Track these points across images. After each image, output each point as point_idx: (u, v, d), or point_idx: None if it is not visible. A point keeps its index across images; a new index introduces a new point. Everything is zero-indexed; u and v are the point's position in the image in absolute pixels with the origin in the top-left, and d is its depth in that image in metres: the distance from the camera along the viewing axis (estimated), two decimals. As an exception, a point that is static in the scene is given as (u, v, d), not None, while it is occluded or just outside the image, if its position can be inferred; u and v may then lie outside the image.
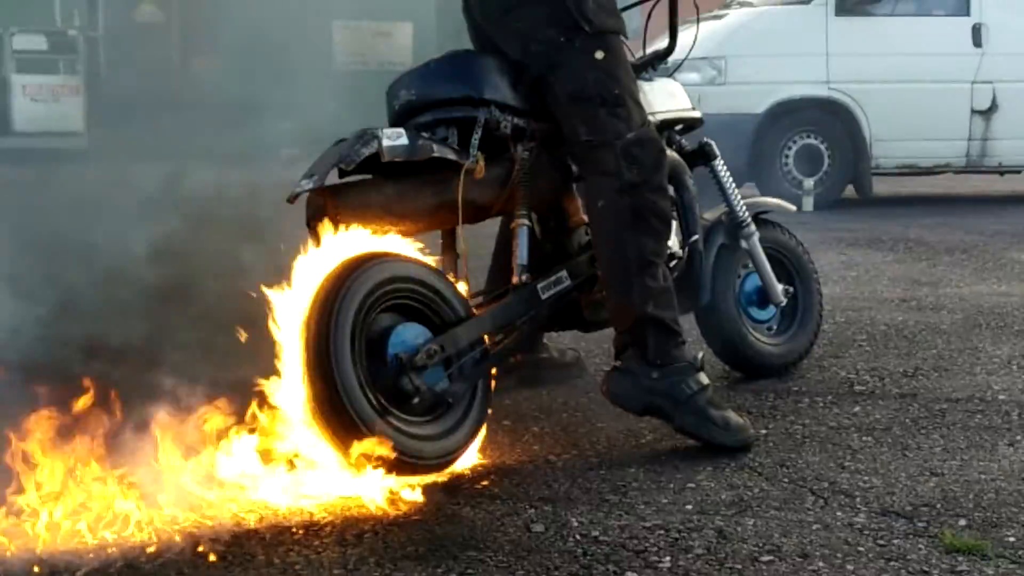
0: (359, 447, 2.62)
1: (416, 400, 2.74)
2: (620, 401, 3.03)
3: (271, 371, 2.75)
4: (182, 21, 16.85)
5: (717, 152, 3.65)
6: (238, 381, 2.80)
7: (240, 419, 2.76)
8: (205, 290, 3.74)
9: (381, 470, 2.64)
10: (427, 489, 2.70)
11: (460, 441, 2.81)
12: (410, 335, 2.78)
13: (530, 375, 3.49)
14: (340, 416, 2.62)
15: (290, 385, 2.71)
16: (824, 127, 8.90)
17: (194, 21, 16.76)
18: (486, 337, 2.92)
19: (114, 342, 3.28)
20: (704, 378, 3.02)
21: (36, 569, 2.29)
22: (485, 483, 2.79)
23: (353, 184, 2.92)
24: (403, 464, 2.67)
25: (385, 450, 2.63)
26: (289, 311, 2.75)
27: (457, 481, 2.78)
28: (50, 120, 15.07)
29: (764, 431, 3.18)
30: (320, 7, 17.08)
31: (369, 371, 2.68)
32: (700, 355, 3.08)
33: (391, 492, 2.66)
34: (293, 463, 2.74)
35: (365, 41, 18.35)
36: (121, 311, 3.73)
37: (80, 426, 2.62)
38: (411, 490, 2.67)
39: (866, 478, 2.82)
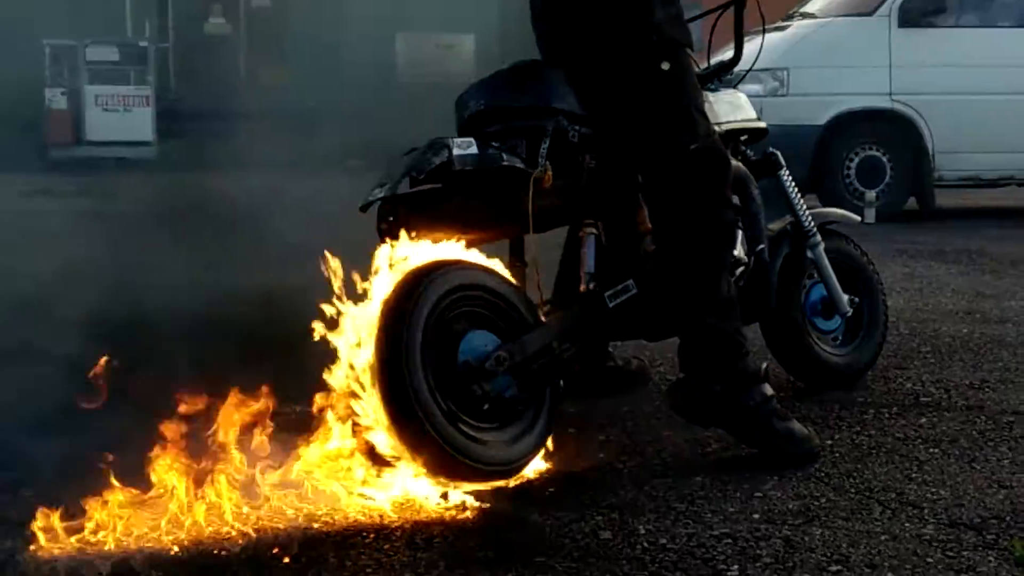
0: (430, 453, 2.66)
1: (485, 407, 2.78)
2: (684, 413, 3.05)
3: (344, 377, 2.80)
4: (249, 33, 17.08)
5: (783, 162, 3.67)
6: (312, 386, 2.86)
7: (313, 424, 2.83)
8: (282, 296, 3.82)
9: (451, 476, 2.69)
10: (495, 495, 2.73)
11: (528, 448, 2.84)
12: (479, 342, 2.81)
13: (595, 384, 3.52)
14: (411, 423, 2.66)
15: (362, 391, 2.76)
16: (886, 139, 8.86)
17: (261, 33, 16.99)
18: (554, 345, 2.96)
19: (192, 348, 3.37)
20: (768, 389, 3.03)
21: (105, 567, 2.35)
22: (552, 490, 2.82)
23: (424, 193, 2.96)
24: (473, 471, 2.71)
25: (455, 456, 2.67)
26: (362, 318, 2.80)
27: (525, 488, 2.81)
28: (120, 130, 15.33)
29: (830, 442, 3.19)
30: (383, 19, 17.22)
31: (439, 378, 2.72)
32: (764, 365, 3.09)
33: (460, 498, 2.70)
34: (365, 468, 2.79)
35: (428, 53, 18.46)
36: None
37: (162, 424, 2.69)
38: (479, 496, 2.71)
39: (934, 490, 2.82)
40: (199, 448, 2.69)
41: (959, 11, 9.06)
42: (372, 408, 2.73)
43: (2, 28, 14.98)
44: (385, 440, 2.73)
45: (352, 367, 2.79)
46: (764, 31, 3.78)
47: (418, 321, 2.70)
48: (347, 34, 16.14)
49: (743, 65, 3.50)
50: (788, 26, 9.16)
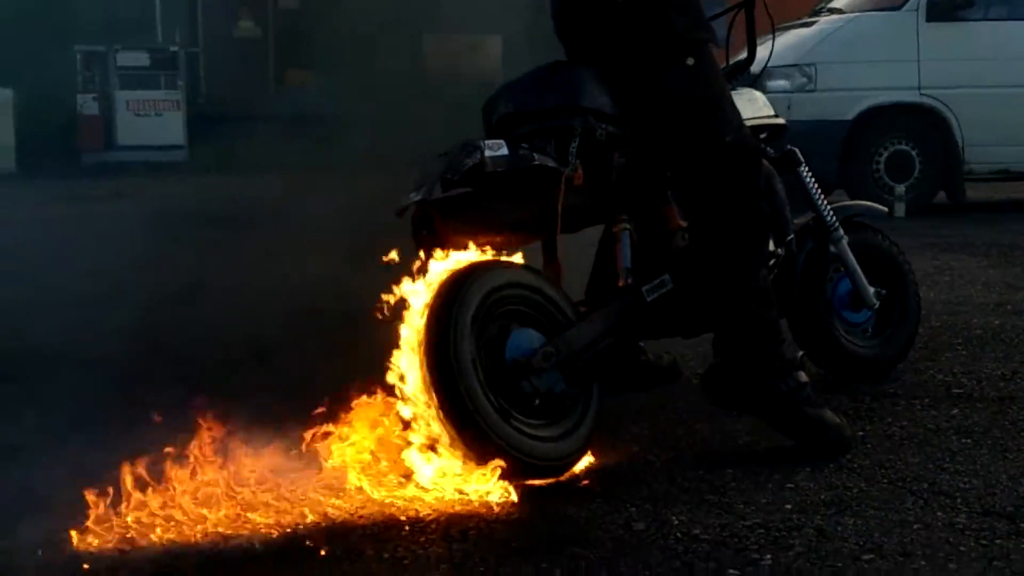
0: (487, 452, 2.70)
1: (536, 402, 2.82)
2: (717, 397, 3.08)
3: (388, 373, 2.84)
4: (278, 36, 17.18)
5: (801, 159, 3.69)
6: (355, 381, 2.91)
7: (355, 417, 2.87)
8: (331, 298, 3.87)
9: (508, 474, 2.71)
10: (529, 489, 2.76)
11: (579, 442, 2.88)
12: (525, 339, 2.85)
13: (628, 379, 3.54)
14: (465, 420, 2.70)
15: (408, 386, 2.80)
16: (915, 133, 8.83)
17: (290, 36, 17.07)
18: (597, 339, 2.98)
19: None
20: (803, 376, 3.06)
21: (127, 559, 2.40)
22: (586, 482, 2.85)
23: (457, 196, 2.98)
24: (528, 466, 2.75)
25: (511, 454, 2.71)
26: (408, 317, 2.84)
27: (559, 481, 2.84)
28: (152, 134, 15.48)
29: (862, 433, 3.21)
30: (411, 21, 17.27)
31: (489, 376, 2.76)
32: (801, 354, 3.12)
33: (495, 491, 2.72)
34: (407, 461, 2.83)
35: (456, 54, 18.50)
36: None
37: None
38: (514, 489, 2.73)
39: (966, 479, 2.83)
40: (236, 442, 2.74)
41: (987, 5, 9.01)
42: (426, 412, 2.76)
43: (34, 35, 15.14)
44: (441, 439, 2.75)
45: (398, 363, 2.83)
46: (773, 31, 3.78)
47: (464, 321, 2.74)
48: (375, 36, 16.20)
49: (757, 65, 3.53)
50: (815, 21, 9.16)
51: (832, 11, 9.42)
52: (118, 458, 2.61)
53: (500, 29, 18.72)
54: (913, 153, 8.84)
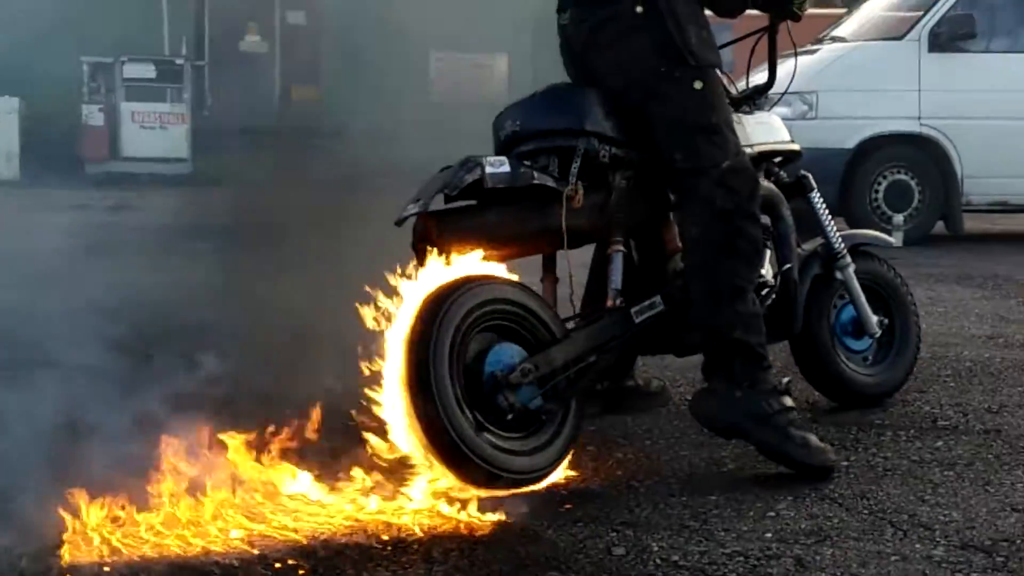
0: (457, 462, 2.74)
1: (510, 416, 2.85)
2: (704, 418, 3.12)
3: (369, 387, 2.87)
4: (284, 51, 17.26)
5: (814, 185, 3.73)
6: (332, 396, 2.93)
7: (333, 434, 2.90)
8: (305, 308, 3.90)
9: (477, 484, 2.77)
10: (511, 511, 2.78)
11: (552, 457, 2.92)
12: (506, 354, 2.89)
13: (615, 402, 3.56)
14: (438, 431, 2.74)
15: (388, 401, 2.83)
16: (915, 163, 8.86)
17: (296, 51, 17.16)
18: (580, 358, 3.01)
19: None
20: (788, 400, 3.09)
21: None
22: (569, 506, 2.87)
23: (457, 209, 3.05)
24: (497, 478, 2.79)
25: (481, 465, 2.75)
26: (391, 329, 2.87)
27: (541, 504, 2.86)
28: (156, 146, 15.53)
29: (845, 463, 3.22)
30: (418, 38, 17.35)
31: (466, 388, 2.81)
32: (786, 380, 3.16)
33: (477, 512, 2.75)
34: (383, 479, 2.86)
35: (462, 72, 18.59)
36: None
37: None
38: (496, 510, 2.76)
39: (946, 512, 2.85)
40: (222, 460, 2.76)
41: (989, 36, 9.06)
42: (399, 417, 2.80)
43: (42, 45, 15.21)
44: (412, 448, 2.80)
45: (380, 377, 2.86)
46: (796, 55, 3.82)
47: (447, 334, 2.79)
48: (381, 52, 16.28)
49: (777, 88, 3.57)
50: (818, 49, 9.19)
51: (835, 39, 9.47)
52: (100, 471, 2.64)
53: (506, 47, 18.84)
54: (912, 183, 8.87)
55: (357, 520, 2.73)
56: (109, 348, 3.44)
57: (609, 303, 3.14)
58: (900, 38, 8.97)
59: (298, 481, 2.85)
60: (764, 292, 3.41)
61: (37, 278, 4.98)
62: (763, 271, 3.43)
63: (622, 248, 3.17)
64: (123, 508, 2.60)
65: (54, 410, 3.04)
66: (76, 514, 2.54)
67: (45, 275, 4.83)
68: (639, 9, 3.12)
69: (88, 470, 2.65)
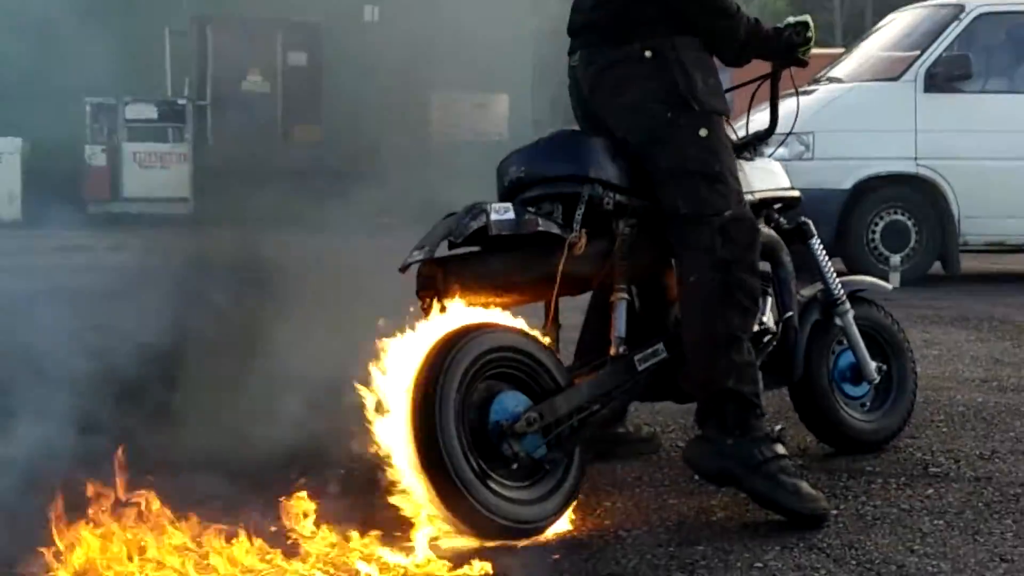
0: (461, 511, 2.76)
1: (515, 466, 2.87)
2: (696, 465, 3.13)
3: (373, 432, 2.89)
4: (286, 91, 17.36)
5: (814, 231, 3.76)
6: (342, 440, 2.95)
7: (339, 477, 2.91)
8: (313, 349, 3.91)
9: (481, 534, 2.78)
10: (499, 561, 2.77)
11: (555, 507, 2.94)
12: (511, 403, 2.92)
13: (606, 449, 3.58)
14: (443, 480, 2.76)
15: (394, 447, 2.85)
16: (912, 203, 8.89)
17: (298, 91, 17.25)
18: (583, 406, 3.03)
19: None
20: (780, 448, 3.10)
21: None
22: (556, 556, 2.86)
23: (461, 256, 3.08)
24: (500, 527, 2.81)
25: (485, 514, 2.77)
26: (396, 376, 2.89)
27: (530, 553, 2.86)
28: (158, 186, 15.61)
29: (835, 512, 3.22)
30: (419, 78, 17.45)
31: (471, 436, 2.83)
32: (779, 428, 3.18)
33: (467, 559, 2.74)
34: (384, 530, 2.86)
35: (463, 112, 18.68)
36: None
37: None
38: (485, 557, 2.75)
39: (934, 562, 2.85)
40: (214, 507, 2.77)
41: (985, 77, 9.13)
42: (404, 468, 2.82)
43: (45, 86, 15.32)
44: (417, 496, 2.82)
45: (384, 424, 2.88)
46: (798, 98, 3.85)
47: (452, 382, 2.81)
48: (383, 92, 16.37)
49: (779, 130, 3.60)
50: (814, 90, 9.24)
51: (832, 80, 9.52)
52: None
53: (508, 88, 18.94)
54: (909, 223, 8.89)
55: (349, 567, 2.73)
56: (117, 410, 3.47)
57: (613, 351, 3.15)
58: (896, 79, 9.02)
59: (298, 529, 2.85)
60: (767, 339, 3.43)
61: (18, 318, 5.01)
62: (765, 318, 3.46)
63: (626, 296, 3.18)
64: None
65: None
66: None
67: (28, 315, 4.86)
68: (648, 54, 3.15)
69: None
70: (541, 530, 2.90)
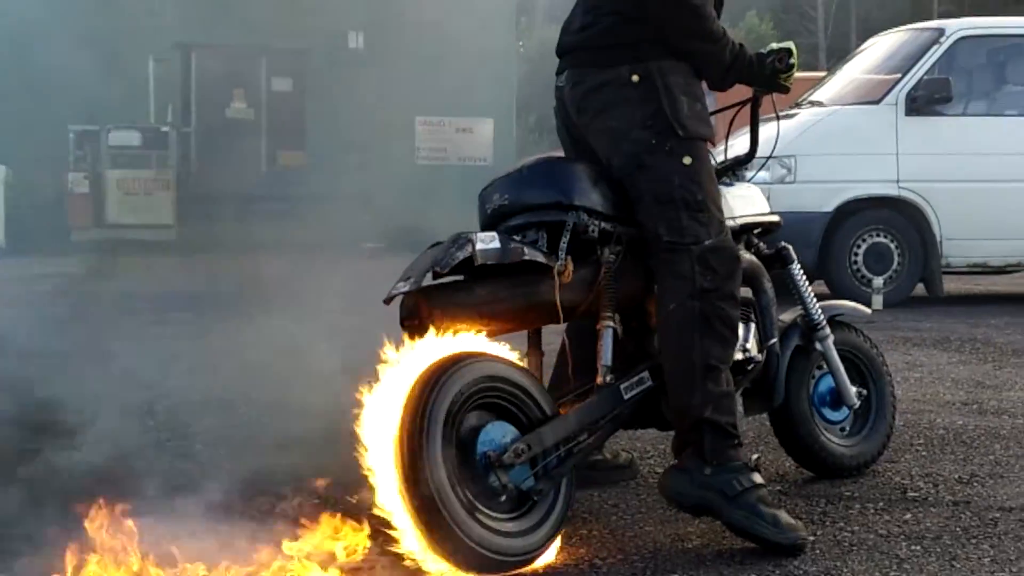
0: (449, 544, 2.72)
1: (503, 498, 2.85)
2: (672, 496, 3.10)
3: (361, 467, 2.86)
4: (270, 117, 17.38)
5: (794, 256, 3.75)
6: (327, 476, 2.92)
7: (327, 512, 2.88)
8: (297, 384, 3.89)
9: (469, 567, 2.74)
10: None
11: (543, 538, 2.90)
12: (498, 434, 2.88)
13: (583, 476, 3.54)
14: (430, 512, 2.72)
15: (380, 480, 2.82)
16: (894, 226, 8.91)
17: (282, 117, 17.27)
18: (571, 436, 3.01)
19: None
20: (758, 477, 3.09)
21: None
22: (530, 586, 2.86)
23: (446, 285, 3.04)
24: (488, 560, 2.77)
25: (473, 547, 2.73)
26: (382, 408, 2.86)
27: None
28: (140, 213, 15.59)
29: (812, 538, 3.21)
30: (403, 103, 17.49)
31: (458, 468, 2.79)
32: (756, 457, 3.16)
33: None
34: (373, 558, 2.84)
35: (447, 136, 18.72)
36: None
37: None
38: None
39: (910, 588, 2.84)
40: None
41: (966, 100, 9.17)
42: (391, 500, 2.79)
43: (29, 113, 15.31)
44: (404, 529, 2.78)
45: (367, 458, 2.86)
46: (779, 123, 3.85)
47: (439, 413, 2.77)
48: (367, 118, 16.40)
49: (759, 153, 3.60)
50: (796, 114, 9.27)
51: (813, 104, 9.55)
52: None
53: (492, 112, 18.98)
54: (891, 246, 8.91)
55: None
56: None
57: (599, 380, 3.13)
58: (877, 102, 9.05)
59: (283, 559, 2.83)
60: (751, 368, 3.42)
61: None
62: (748, 346, 3.44)
63: (612, 324, 3.15)
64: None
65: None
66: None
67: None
68: (635, 78, 3.13)
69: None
70: (529, 562, 2.86)
